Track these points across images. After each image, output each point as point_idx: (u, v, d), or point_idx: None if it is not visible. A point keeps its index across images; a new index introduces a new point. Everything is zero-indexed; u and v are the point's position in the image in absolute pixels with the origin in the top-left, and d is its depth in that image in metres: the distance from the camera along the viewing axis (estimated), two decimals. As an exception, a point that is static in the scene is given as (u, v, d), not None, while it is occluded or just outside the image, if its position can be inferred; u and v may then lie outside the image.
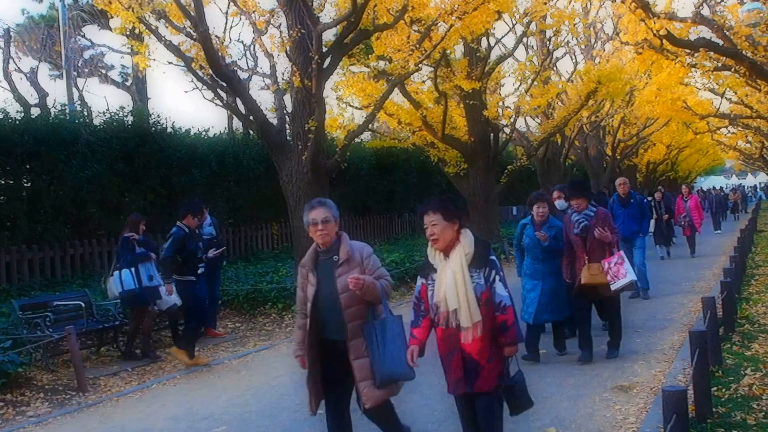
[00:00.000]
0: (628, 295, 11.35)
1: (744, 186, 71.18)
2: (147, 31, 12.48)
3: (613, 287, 7.73)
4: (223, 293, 12.88)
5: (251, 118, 13.26)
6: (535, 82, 22.29)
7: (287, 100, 14.91)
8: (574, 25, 23.08)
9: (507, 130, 23.16)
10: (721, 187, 59.10)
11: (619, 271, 7.68)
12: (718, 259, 17.66)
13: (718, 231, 28.89)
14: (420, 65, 15.33)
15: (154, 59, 13.51)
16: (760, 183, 78.43)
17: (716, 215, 30.92)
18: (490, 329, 4.56)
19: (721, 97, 24.76)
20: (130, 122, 16.04)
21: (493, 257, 4.68)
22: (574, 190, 8.19)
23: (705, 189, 56.88)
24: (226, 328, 12.19)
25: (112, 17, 13.78)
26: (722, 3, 19.01)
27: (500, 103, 22.29)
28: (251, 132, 18.37)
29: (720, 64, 14.29)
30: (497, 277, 4.60)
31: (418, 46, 14.17)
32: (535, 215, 8.39)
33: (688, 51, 12.35)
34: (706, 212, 28.63)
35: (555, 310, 8.30)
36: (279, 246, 20.05)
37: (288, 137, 14.14)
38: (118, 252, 10.59)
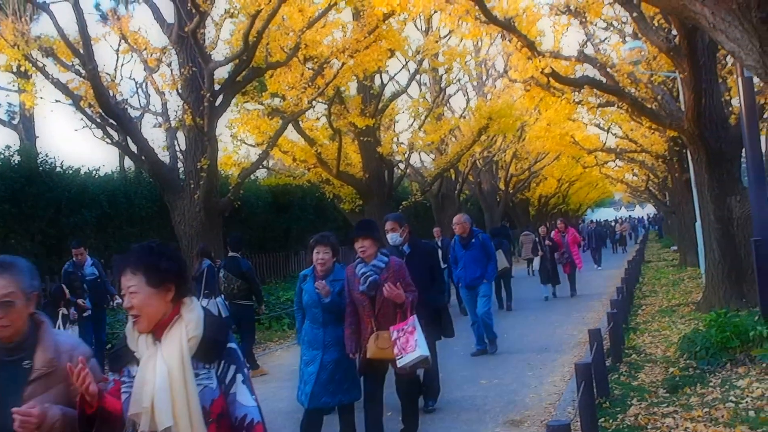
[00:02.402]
0: (472, 351, 10.50)
1: (631, 217, 74.14)
2: (34, 68, 12.03)
3: (399, 363, 5.78)
4: (113, 337, 12.34)
5: (143, 157, 12.91)
6: (429, 119, 22.70)
7: (180, 138, 14.62)
8: (466, 62, 23.65)
9: (402, 165, 23.41)
10: (606, 220, 61.26)
11: (408, 342, 5.74)
12: (606, 292, 16.75)
13: (599, 267, 27.02)
14: (313, 102, 15.34)
15: (42, 97, 13.08)
16: (648, 214, 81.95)
17: (596, 250, 28.37)
18: None
19: (607, 132, 25.79)
20: (16, 162, 15.30)
21: (233, 345, 2.89)
22: (359, 229, 6.17)
23: (595, 221, 59.07)
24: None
25: (-4, 54, 13.22)
26: (605, 42, 19.93)
27: (394, 140, 22.53)
28: (143, 171, 17.91)
29: (604, 101, 14.88)
30: (239, 377, 2.84)
31: (311, 83, 14.17)
32: (315, 263, 6.13)
33: (573, 88, 12.79)
34: (585, 250, 27.66)
35: (339, 390, 5.99)
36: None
37: (180, 176, 13.83)
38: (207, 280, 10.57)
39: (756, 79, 8.87)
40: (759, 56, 3.55)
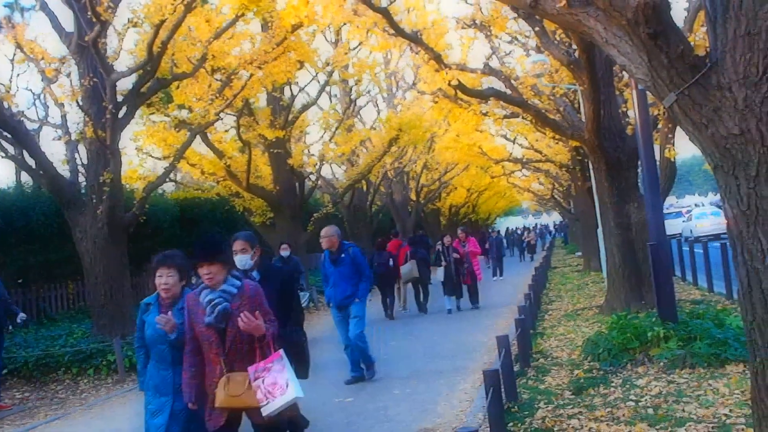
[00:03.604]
0: (346, 379, 9.46)
1: (538, 225, 75.95)
2: None
3: (266, 410, 4.63)
4: (10, 361, 11.87)
5: (41, 171, 12.49)
6: (339, 130, 22.78)
7: (81, 151, 14.21)
8: (376, 74, 23.85)
9: (313, 177, 23.38)
10: (506, 229, 62.38)
11: (277, 384, 4.66)
12: (515, 300, 16.36)
13: (500, 277, 25.89)
14: (221, 114, 15.17)
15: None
16: (554, 222, 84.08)
17: (497, 260, 26.76)
18: None
19: (513, 143, 26.44)
20: None
21: None
22: (204, 250, 4.85)
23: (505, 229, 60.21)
24: (13, 399, 11.19)
25: None
26: (510, 55, 20.45)
27: (305, 151, 22.53)
28: (42, 186, 17.31)
29: (510, 112, 15.26)
30: None
31: (219, 94, 14.03)
32: (159, 289, 5.18)
33: (480, 100, 13.07)
34: (488, 265, 27.08)
35: None
36: (75, 306, 18.86)
37: (82, 191, 13.44)
38: None
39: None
40: (648, 70, 3.72)
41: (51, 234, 17.54)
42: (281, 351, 4.78)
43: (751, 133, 3.35)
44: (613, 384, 7.59)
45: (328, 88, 24.19)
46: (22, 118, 13.76)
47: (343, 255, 9.51)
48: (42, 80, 14.06)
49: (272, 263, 6.82)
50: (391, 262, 16.70)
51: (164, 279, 5.08)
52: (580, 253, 30.71)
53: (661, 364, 7.91)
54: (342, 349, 9.73)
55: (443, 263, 16.68)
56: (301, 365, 5.87)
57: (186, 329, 4.86)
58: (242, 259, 5.94)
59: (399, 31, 10.71)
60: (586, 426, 6.19)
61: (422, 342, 12.39)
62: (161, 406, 5.01)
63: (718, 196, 4.60)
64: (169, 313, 5.03)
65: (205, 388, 4.81)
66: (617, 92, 13.09)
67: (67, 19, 13.78)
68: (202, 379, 4.81)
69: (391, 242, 18.10)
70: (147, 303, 5.29)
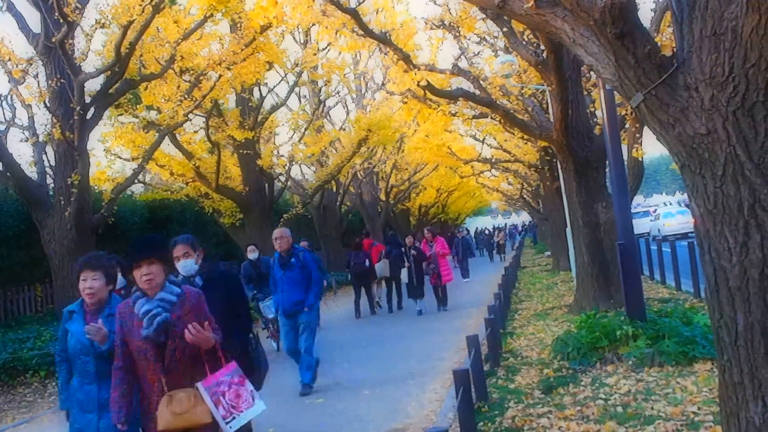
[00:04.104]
0: (300, 391, 8.80)
1: (507, 225, 76.38)
2: None
3: (231, 427, 4.14)
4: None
5: (8, 173, 12.31)
6: (309, 131, 22.76)
7: (49, 152, 14.02)
8: (345, 75, 23.86)
9: (282, 178, 23.31)
10: (475, 228, 62.64)
11: (241, 397, 4.25)
12: (486, 299, 16.00)
13: (467, 279, 25.09)
14: (190, 115, 15.07)
15: None
16: (523, 222, 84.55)
17: (463, 261, 26.03)
18: None
19: (482, 143, 26.59)
20: None
21: None
22: (142, 248, 4.28)
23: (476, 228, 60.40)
24: (-20, 403, 11.02)
25: None
26: (479, 55, 20.54)
27: (275, 152, 22.45)
28: (9, 188, 17.07)
29: (478, 113, 15.34)
30: None
31: (188, 95, 13.94)
32: (84, 295, 4.74)
33: (449, 100, 13.11)
34: (455, 266, 25.36)
35: None
36: (43, 308, 18.62)
37: (50, 193, 13.27)
38: None
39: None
40: (615, 70, 3.76)
41: (18, 236, 17.32)
42: (234, 362, 4.34)
43: (717, 133, 3.39)
44: (582, 383, 7.64)
45: (297, 89, 24.17)
46: (-14, 120, 13.58)
47: (293, 259, 8.90)
48: (9, 81, 13.85)
49: (217, 266, 5.97)
50: (367, 263, 16.77)
51: (89, 283, 4.62)
52: (549, 253, 30.94)
53: (630, 362, 7.99)
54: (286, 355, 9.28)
55: (406, 264, 16.46)
56: (254, 375, 5.37)
57: (117, 343, 4.23)
58: (186, 265, 5.34)
59: (368, 32, 10.71)
60: (556, 425, 6.23)
61: (392, 342, 12.39)
62: (86, 425, 4.62)
63: (686, 195, 4.65)
64: (99, 321, 4.54)
65: (138, 408, 4.24)
66: (585, 92, 13.20)
67: (34, 20, 13.63)
68: (132, 399, 4.22)
69: (364, 242, 18.16)
70: (70, 311, 4.81)
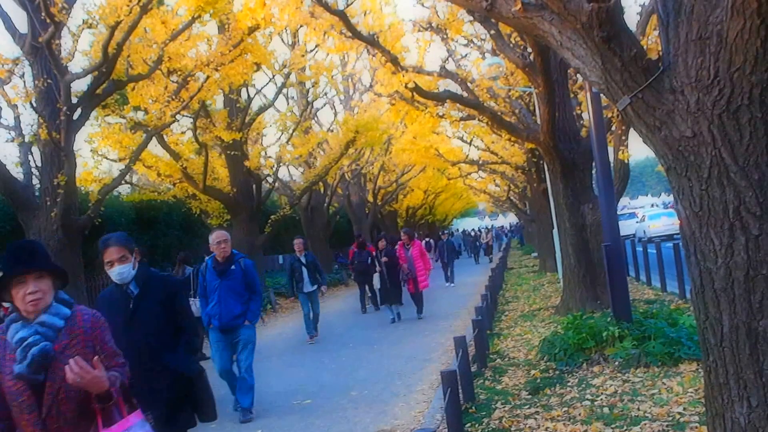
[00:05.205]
0: (241, 419, 7.89)
1: (494, 227, 76.45)
2: None
3: None
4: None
5: (-7, 174, 12.23)
6: (296, 132, 22.73)
7: (35, 153, 13.94)
8: (333, 76, 23.84)
9: (270, 179, 23.29)
10: (461, 230, 62.74)
11: None
12: (472, 301, 15.96)
13: (451, 284, 23.81)
14: (177, 116, 15.03)
15: None
16: (510, 223, 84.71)
17: (447, 265, 24.48)
18: None
19: (470, 145, 26.65)
20: None
21: None
22: (20, 254, 3.15)
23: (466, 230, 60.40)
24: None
25: None
26: (466, 57, 20.56)
27: (262, 153, 22.41)
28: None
29: (466, 115, 15.36)
30: None
31: (175, 96, 13.90)
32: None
33: (436, 102, 13.13)
34: (436, 261, 26.01)
35: None
36: (29, 310, 18.53)
37: (36, 193, 13.19)
38: None
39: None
40: (601, 73, 3.78)
41: (3, 236, 17.20)
42: (138, 412, 3.28)
43: (703, 136, 3.41)
44: (569, 384, 7.68)
45: (285, 90, 24.14)
46: (-29, 120, 13.49)
47: (233, 266, 7.99)
48: (-6, 81, 13.75)
49: (153, 271, 5.11)
50: (369, 261, 16.99)
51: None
52: (536, 254, 31.02)
53: (616, 363, 8.03)
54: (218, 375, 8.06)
55: (377, 269, 15.79)
56: (202, 406, 4.74)
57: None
58: (123, 272, 4.52)
59: (356, 34, 10.73)
60: (543, 426, 6.26)
61: (379, 344, 12.41)
62: None
63: (671, 197, 4.68)
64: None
65: None
66: (572, 95, 13.25)
67: (20, 19, 13.53)
68: None
69: (355, 243, 18.37)
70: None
